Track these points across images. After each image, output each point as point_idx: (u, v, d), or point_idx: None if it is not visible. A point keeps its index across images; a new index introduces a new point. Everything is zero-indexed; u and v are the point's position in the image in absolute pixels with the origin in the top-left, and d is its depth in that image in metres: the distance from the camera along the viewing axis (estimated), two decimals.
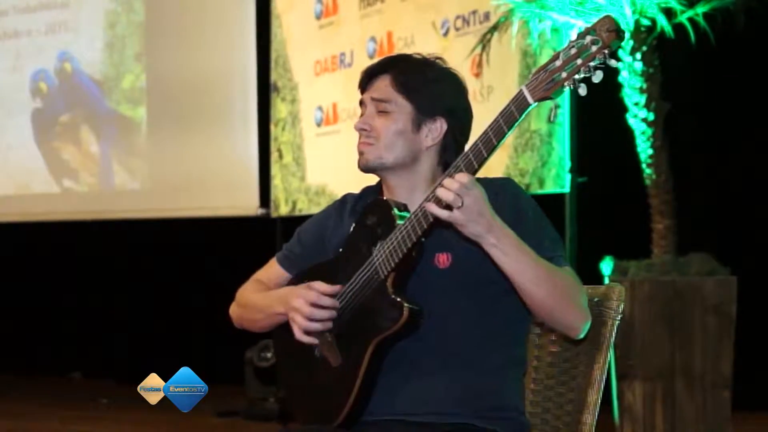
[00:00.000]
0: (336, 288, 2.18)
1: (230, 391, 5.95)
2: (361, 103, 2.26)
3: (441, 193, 1.98)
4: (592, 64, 1.86)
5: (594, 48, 1.85)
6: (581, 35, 1.87)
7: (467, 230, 2.01)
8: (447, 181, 1.98)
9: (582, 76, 1.87)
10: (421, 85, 2.22)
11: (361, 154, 2.23)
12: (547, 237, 2.16)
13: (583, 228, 4.82)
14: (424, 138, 2.21)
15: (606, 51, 1.84)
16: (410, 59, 2.26)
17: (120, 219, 7.18)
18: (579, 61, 1.87)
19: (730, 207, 5.53)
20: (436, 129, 2.22)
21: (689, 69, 5.12)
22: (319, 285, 2.19)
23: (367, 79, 2.26)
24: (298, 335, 2.19)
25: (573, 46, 1.88)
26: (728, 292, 4.27)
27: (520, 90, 1.94)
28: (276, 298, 2.28)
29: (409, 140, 2.21)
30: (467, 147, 2.03)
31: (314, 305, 2.16)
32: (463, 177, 1.98)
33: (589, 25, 1.89)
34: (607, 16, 1.86)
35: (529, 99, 1.93)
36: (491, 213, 2.01)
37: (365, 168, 2.23)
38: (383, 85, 2.22)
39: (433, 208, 1.99)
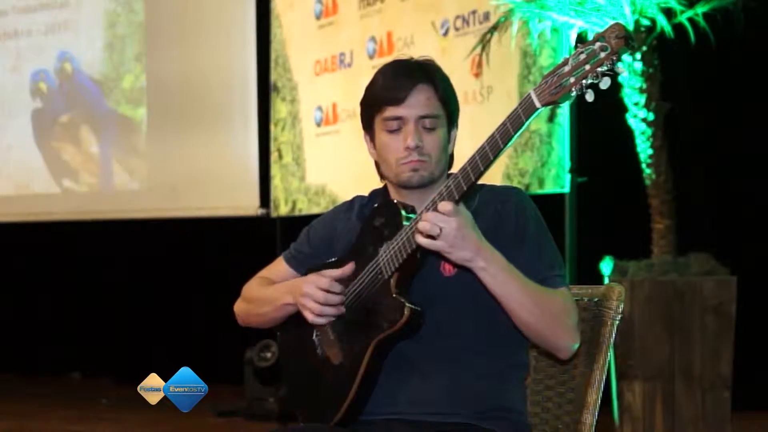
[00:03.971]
0: (346, 269, 2.18)
1: (230, 391, 5.96)
2: (399, 118, 2.16)
3: (421, 225, 2.00)
4: (600, 70, 1.86)
5: (603, 54, 1.86)
6: (591, 41, 1.88)
7: (454, 257, 2.02)
8: (426, 214, 2.00)
9: (590, 81, 1.88)
10: (452, 93, 2.22)
11: (415, 171, 2.16)
12: (546, 255, 2.16)
13: (583, 228, 4.81)
14: (450, 147, 2.23)
15: (614, 57, 1.85)
16: (434, 65, 2.22)
17: (120, 219, 7.18)
18: (587, 67, 1.87)
19: (730, 207, 5.53)
20: (454, 137, 2.24)
21: (689, 69, 5.12)
22: (331, 271, 2.19)
23: (404, 92, 2.15)
24: (311, 318, 2.18)
25: (582, 52, 1.89)
26: (728, 292, 4.27)
27: (528, 94, 1.94)
28: (284, 290, 2.28)
29: (447, 152, 2.22)
30: (475, 149, 2.01)
31: (327, 291, 2.16)
32: (445, 206, 1.99)
33: (599, 31, 1.89)
34: (617, 23, 1.87)
35: (537, 103, 1.92)
36: (477, 236, 2.02)
37: (419, 184, 2.18)
38: (426, 98, 2.16)
39: (419, 239, 2.01)
